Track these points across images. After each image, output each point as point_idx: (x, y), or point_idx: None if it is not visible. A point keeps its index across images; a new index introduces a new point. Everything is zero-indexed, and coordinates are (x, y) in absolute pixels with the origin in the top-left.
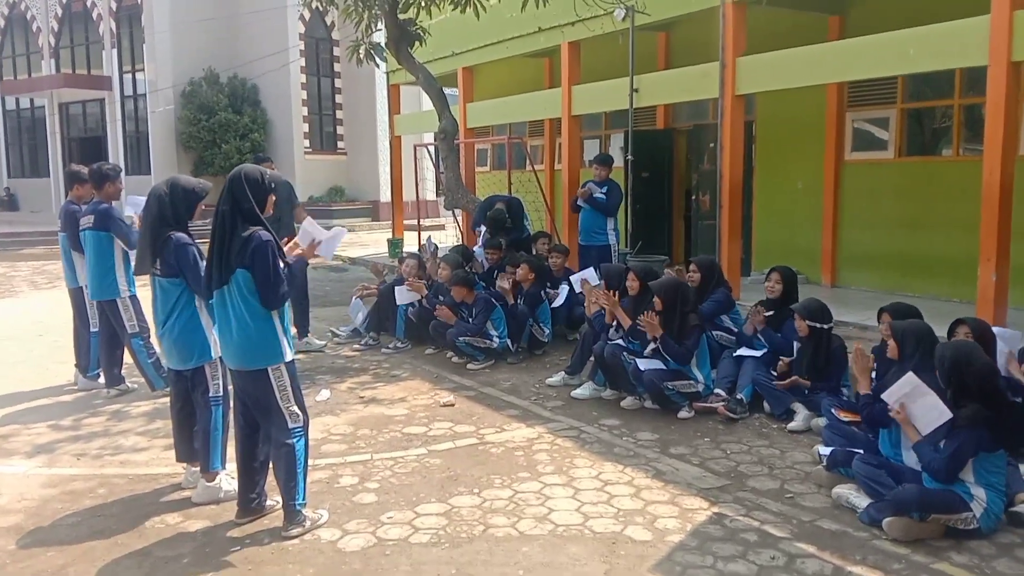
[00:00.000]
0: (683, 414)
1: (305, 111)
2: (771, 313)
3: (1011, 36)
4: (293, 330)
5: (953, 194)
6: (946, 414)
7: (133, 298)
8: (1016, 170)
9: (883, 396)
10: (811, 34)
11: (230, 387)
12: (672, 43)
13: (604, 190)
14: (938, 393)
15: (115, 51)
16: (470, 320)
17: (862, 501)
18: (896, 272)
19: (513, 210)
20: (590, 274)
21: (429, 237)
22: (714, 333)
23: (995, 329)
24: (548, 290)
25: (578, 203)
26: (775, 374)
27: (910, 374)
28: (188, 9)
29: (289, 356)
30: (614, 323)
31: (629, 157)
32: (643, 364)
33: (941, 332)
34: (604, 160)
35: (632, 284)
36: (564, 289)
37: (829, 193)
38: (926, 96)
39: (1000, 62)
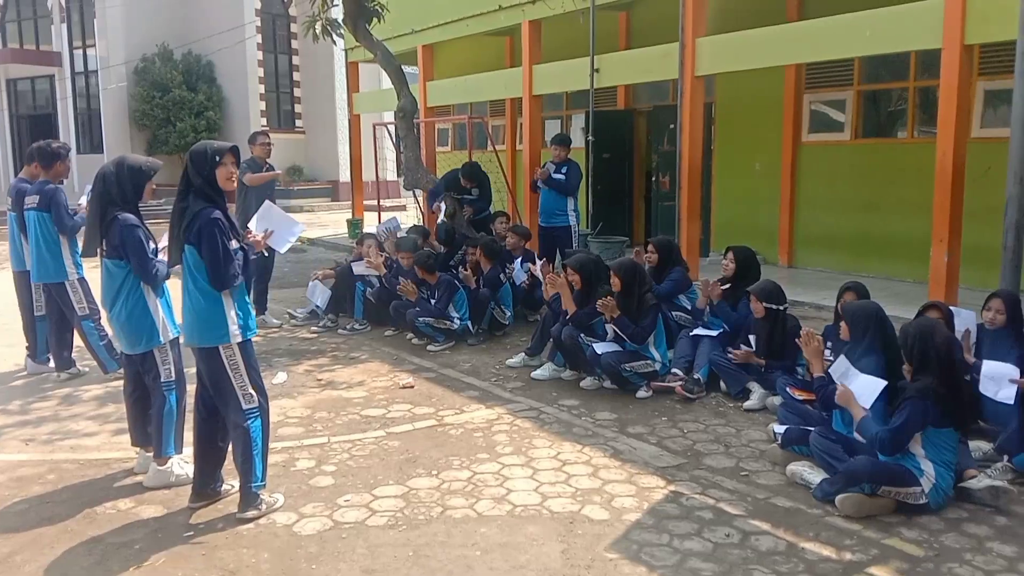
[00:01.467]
0: (641, 394)
1: (262, 89)
2: (727, 287)
3: (964, 20)
4: None
5: (907, 176)
6: (880, 383)
7: (82, 280)
8: (968, 152)
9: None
10: (770, 15)
11: (187, 371)
12: (633, 23)
13: (563, 171)
14: (879, 371)
15: (65, 26)
16: (431, 301)
17: (816, 478)
18: (851, 252)
19: (476, 175)
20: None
21: (394, 217)
22: (672, 313)
23: (952, 309)
24: (507, 270)
25: (537, 184)
26: (731, 353)
27: (842, 357)
28: None
29: (239, 337)
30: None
31: (590, 138)
32: (600, 348)
33: (895, 312)
34: (562, 140)
35: (572, 278)
36: (518, 267)
37: (786, 174)
38: (882, 78)
39: (953, 45)
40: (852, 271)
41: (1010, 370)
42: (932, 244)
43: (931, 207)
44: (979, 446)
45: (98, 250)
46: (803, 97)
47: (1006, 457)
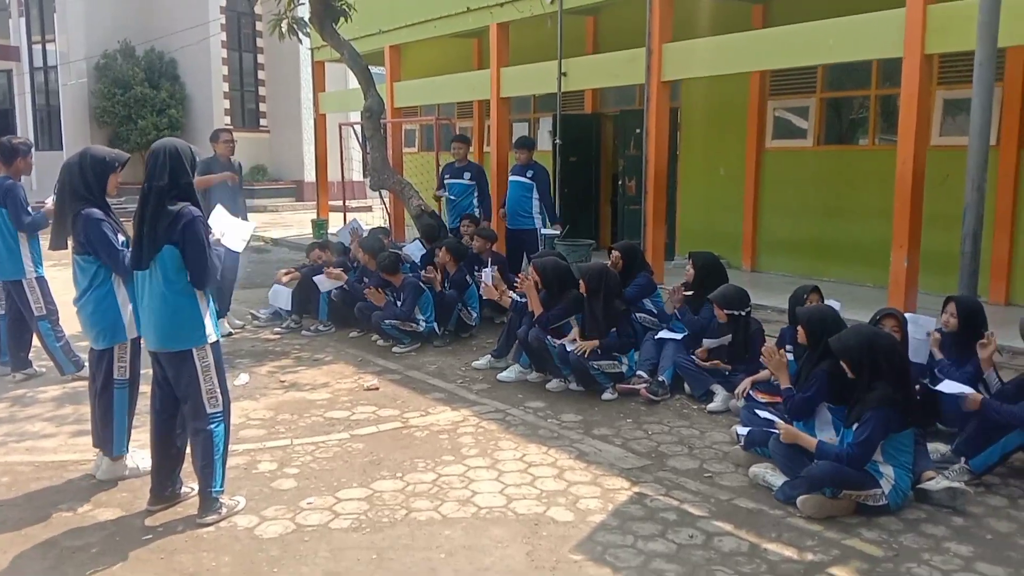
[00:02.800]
0: (607, 396)
1: (226, 87)
2: (690, 293)
3: (924, 29)
4: None
5: (869, 182)
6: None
7: (40, 279)
8: (928, 159)
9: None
10: (736, 22)
11: (143, 371)
12: (600, 28)
13: (530, 175)
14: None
15: (23, 20)
16: (397, 303)
17: (778, 479)
18: (813, 257)
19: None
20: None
21: (354, 219)
22: (637, 316)
23: (907, 315)
24: (476, 272)
25: (503, 212)
26: (695, 356)
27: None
28: None
29: (214, 337)
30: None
31: (557, 141)
32: (570, 345)
33: (856, 316)
34: (525, 143)
35: (534, 278)
36: (487, 273)
37: (750, 180)
38: (844, 86)
39: (914, 54)
40: (814, 275)
41: (963, 388)
42: (892, 250)
43: (891, 213)
44: (937, 448)
45: (68, 245)
46: (767, 103)
47: (963, 459)
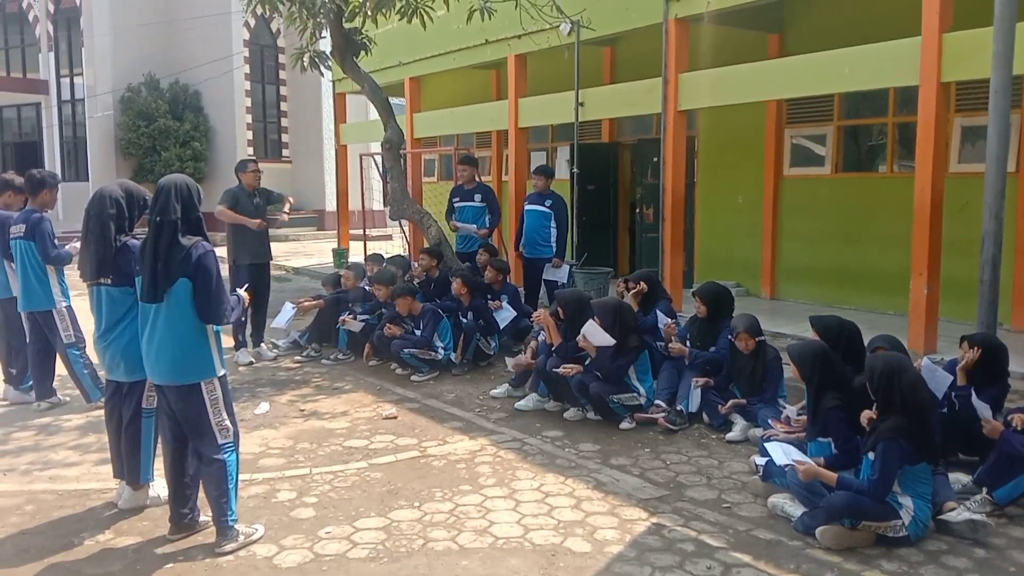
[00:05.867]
0: (625, 425)
1: (249, 118)
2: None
3: (940, 57)
4: (230, 342)
5: (887, 209)
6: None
7: (69, 309)
8: (947, 187)
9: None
10: (752, 52)
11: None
12: (617, 58)
13: (548, 204)
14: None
15: (52, 54)
16: (415, 332)
17: (796, 510)
18: (832, 285)
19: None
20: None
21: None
22: (656, 344)
23: (924, 364)
24: (490, 301)
25: (521, 244)
26: (720, 407)
27: (779, 449)
28: (128, 13)
29: (221, 371)
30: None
31: (575, 170)
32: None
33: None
34: (545, 171)
35: (561, 312)
36: (508, 310)
37: (768, 207)
38: (862, 114)
39: (930, 82)
40: (834, 303)
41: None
42: (912, 277)
43: (910, 240)
44: (958, 478)
45: (97, 277)
46: (784, 132)
47: (985, 490)
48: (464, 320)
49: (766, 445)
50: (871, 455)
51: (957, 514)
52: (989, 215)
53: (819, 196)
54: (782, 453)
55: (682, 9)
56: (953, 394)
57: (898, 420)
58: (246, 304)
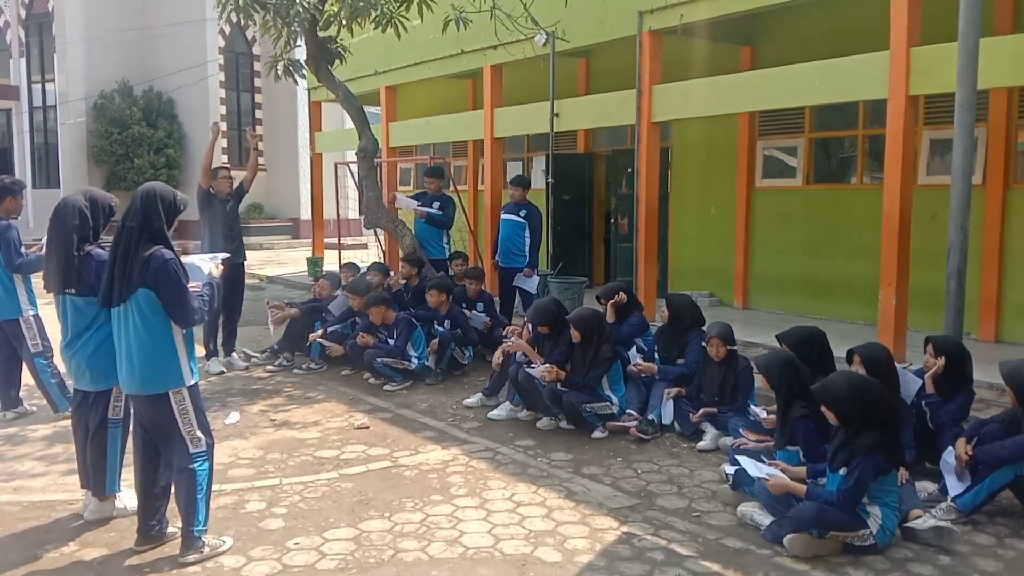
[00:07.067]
0: (597, 434)
1: (224, 126)
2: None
3: (908, 71)
4: (201, 351)
5: (857, 220)
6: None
7: (36, 317)
8: (915, 198)
9: None
10: (724, 64)
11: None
12: (592, 69)
13: (523, 213)
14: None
15: (24, 60)
16: (389, 341)
17: (765, 519)
18: (804, 295)
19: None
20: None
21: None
22: (627, 355)
23: (898, 368)
24: (466, 309)
25: (497, 253)
26: (692, 416)
27: (751, 465)
28: (102, 19)
29: (191, 380)
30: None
31: (550, 180)
32: (535, 372)
33: (841, 353)
34: (521, 182)
35: (542, 329)
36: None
37: (741, 218)
38: (832, 126)
39: (898, 95)
40: (805, 313)
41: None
42: (881, 287)
43: (879, 251)
44: (925, 486)
45: (62, 287)
46: (756, 143)
47: (950, 497)
48: (440, 328)
49: (739, 459)
50: (842, 470)
51: (923, 522)
52: (955, 227)
53: (790, 207)
54: (754, 466)
55: (656, 22)
56: (923, 402)
57: (873, 435)
58: (219, 280)
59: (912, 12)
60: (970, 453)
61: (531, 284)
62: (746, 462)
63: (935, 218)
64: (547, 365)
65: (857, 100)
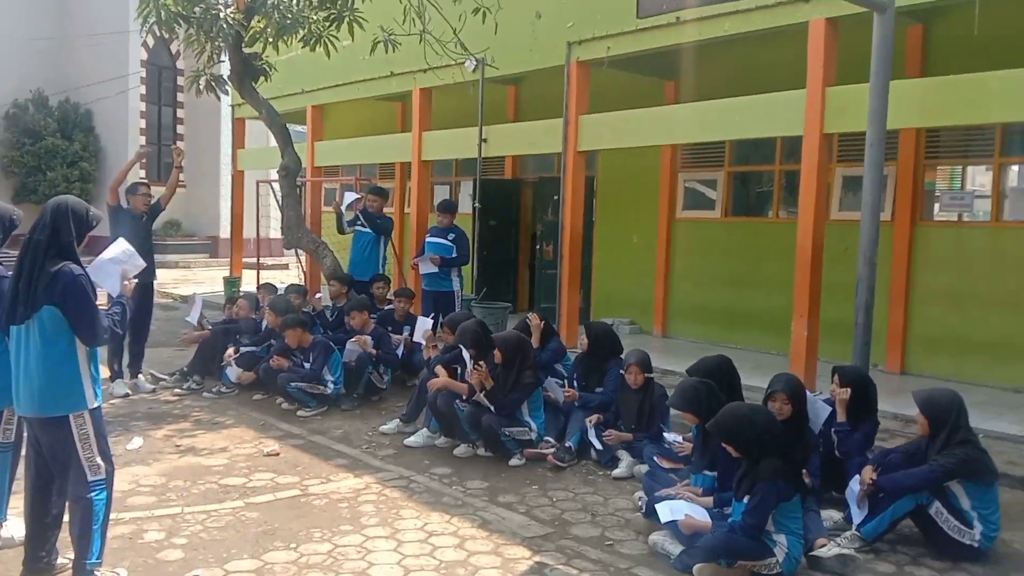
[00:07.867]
0: (514, 462)
1: (143, 140)
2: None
3: (823, 110)
4: (106, 372)
5: (772, 253)
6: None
7: None
8: (828, 232)
9: None
10: (649, 97)
11: (25, 433)
12: (521, 96)
13: (451, 237)
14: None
15: None
16: (304, 365)
17: (676, 548)
18: (721, 324)
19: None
20: (427, 324)
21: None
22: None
23: (809, 399)
24: (390, 332)
25: (421, 269)
26: (605, 435)
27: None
28: (16, 26)
29: (94, 403)
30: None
31: (477, 205)
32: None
33: (756, 382)
34: (448, 207)
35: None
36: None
37: (662, 248)
38: (751, 161)
39: (813, 133)
40: (721, 342)
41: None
42: (793, 318)
43: (793, 283)
44: (830, 515)
45: None
46: (678, 175)
47: (854, 526)
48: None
49: (656, 507)
50: (746, 499)
51: (827, 550)
52: (863, 260)
53: (709, 238)
54: (669, 512)
55: (583, 53)
56: (832, 430)
57: (773, 462)
58: (129, 298)
59: (828, 53)
60: (874, 478)
61: (431, 268)
62: (662, 509)
63: (846, 252)
64: (476, 366)
65: (775, 136)
